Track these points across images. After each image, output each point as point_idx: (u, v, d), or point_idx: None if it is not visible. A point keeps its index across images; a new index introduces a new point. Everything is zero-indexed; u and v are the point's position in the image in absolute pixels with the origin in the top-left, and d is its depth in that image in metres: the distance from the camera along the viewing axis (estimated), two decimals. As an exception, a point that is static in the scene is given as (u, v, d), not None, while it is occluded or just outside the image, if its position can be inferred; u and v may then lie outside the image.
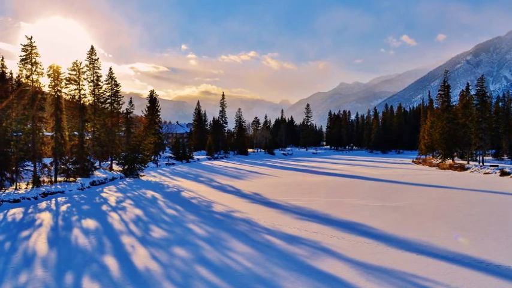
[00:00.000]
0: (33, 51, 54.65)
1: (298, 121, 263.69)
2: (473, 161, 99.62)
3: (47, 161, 62.20)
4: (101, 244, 26.78)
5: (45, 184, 54.28)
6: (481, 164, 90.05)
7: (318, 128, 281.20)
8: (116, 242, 27.43)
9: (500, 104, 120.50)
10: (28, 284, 19.40)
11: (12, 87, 56.27)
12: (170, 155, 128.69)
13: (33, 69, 54.68)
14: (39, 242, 27.61)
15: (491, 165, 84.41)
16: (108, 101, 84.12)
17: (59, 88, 59.60)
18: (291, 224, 32.49)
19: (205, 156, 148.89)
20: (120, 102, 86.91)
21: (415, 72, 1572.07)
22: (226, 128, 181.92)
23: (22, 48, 54.44)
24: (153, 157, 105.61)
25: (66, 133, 60.21)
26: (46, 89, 58.80)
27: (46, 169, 59.65)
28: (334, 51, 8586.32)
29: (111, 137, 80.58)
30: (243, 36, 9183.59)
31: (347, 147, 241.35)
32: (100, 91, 79.88)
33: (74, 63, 67.93)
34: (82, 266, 22.03)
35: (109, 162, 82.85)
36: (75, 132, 66.82)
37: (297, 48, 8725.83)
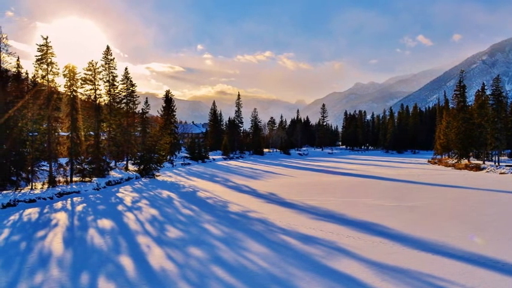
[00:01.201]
0: (48, 51, 54.68)
1: (313, 121, 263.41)
2: (489, 161, 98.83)
3: (63, 161, 62.42)
4: (116, 244, 26.66)
5: (60, 184, 54.39)
6: (496, 164, 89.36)
7: (333, 128, 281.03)
8: (132, 242, 27.30)
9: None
10: (44, 284, 19.33)
11: (28, 87, 56.56)
12: (186, 155, 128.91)
13: (49, 69, 54.71)
14: (54, 242, 27.55)
15: (506, 165, 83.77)
16: (124, 101, 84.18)
17: (75, 88, 59.74)
18: (307, 224, 32.32)
19: (220, 156, 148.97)
20: (136, 102, 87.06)
21: (430, 72, 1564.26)
22: (241, 128, 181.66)
23: (38, 48, 54.51)
24: (168, 157, 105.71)
25: (82, 133, 60.36)
26: (62, 89, 58.92)
27: (62, 169, 59.89)
28: (349, 51, 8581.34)
29: (127, 137, 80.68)
30: (258, 36, 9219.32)
31: (363, 147, 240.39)
32: (116, 91, 79.96)
33: (90, 63, 68.06)
34: (98, 266, 21.93)
35: (125, 162, 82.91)
36: (91, 132, 66.92)
37: (312, 48, 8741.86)
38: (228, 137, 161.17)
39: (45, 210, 40.70)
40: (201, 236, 28.69)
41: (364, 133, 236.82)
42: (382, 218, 34.44)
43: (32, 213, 39.28)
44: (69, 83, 58.86)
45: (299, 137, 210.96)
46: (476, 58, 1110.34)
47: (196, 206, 42.96)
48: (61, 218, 36.86)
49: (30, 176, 52.65)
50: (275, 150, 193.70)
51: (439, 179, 70.83)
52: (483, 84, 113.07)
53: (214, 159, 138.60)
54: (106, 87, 77.23)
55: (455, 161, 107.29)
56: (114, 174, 68.67)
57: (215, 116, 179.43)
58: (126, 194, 54.15)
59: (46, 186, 52.15)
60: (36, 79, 55.43)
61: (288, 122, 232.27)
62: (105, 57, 77.40)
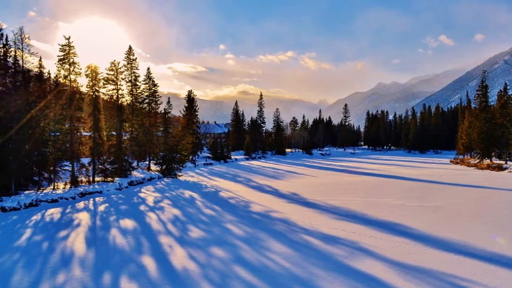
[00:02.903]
0: (71, 51, 54.95)
1: (336, 121, 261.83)
2: (511, 161, 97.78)
3: (85, 161, 62.63)
4: (138, 244, 26.64)
5: (83, 184, 54.64)
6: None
7: (355, 128, 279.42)
8: (154, 242, 27.28)
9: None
10: (66, 284, 19.46)
11: (50, 87, 56.86)
12: (208, 155, 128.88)
13: (71, 69, 55.00)
14: (77, 242, 27.60)
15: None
16: (146, 101, 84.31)
17: (97, 88, 59.99)
18: (329, 224, 32.25)
19: (243, 156, 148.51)
20: (158, 102, 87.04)
21: (452, 72, 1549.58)
22: (264, 128, 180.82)
23: (60, 48, 54.78)
24: (191, 157, 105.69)
25: (104, 133, 60.59)
26: (84, 89, 59.29)
27: (84, 169, 60.02)
28: (372, 51, 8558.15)
29: (149, 137, 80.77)
30: (281, 36, 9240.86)
31: (385, 147, 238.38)
32: (138, 91, 79.94)
33: (112, 63, 68.36)
34: (120, 266, 22.00)
35: (147, 162, 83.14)
36: (113, 132, 67.20)
37: (334, 48, 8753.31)
38: (250, 137, 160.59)
39: (68, 210, 40.84)
40: (223, 236, 28.61)
41: (386, 133, 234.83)
42: (404, 218, 34.30)
43: (54, 213, 39.44)
44: (91, 83, 59.14)
45: (321, 137, 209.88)
46: (498, 58, 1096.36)
47: (219, 206, 42.82)
48: (83, 218, 36.94)
49: (52, 176, 52.90)
50: (297, 150, 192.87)
51: (461, 179, 69.94)
52: (505, 84, 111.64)
53: (236, 159, 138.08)
54: (128, 87, 77.32)
55: (478, 161, 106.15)
56: (136, 174, 68.83)
57: (237, 116, 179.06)
58: (148, 194, 54.17)
59: (68, 186, 52.46)
60: (59, 79, 55.74)
61: (310, 122, 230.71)
62: (127, 57, 77.57)
